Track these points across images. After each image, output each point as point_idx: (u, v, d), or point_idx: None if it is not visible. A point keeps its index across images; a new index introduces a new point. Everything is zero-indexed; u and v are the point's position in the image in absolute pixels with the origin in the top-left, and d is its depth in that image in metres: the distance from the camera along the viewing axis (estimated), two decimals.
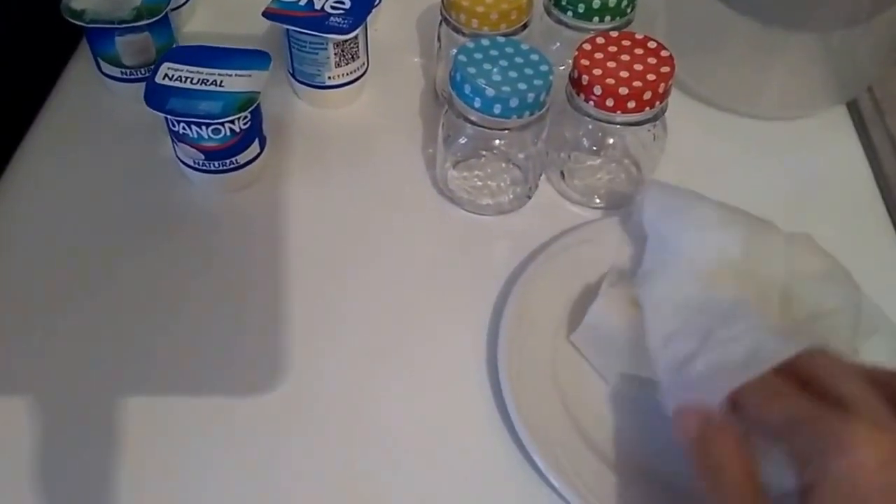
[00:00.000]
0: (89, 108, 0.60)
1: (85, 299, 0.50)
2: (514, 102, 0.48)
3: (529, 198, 0.55)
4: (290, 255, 0.53)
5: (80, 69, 0.62)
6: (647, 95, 0.49)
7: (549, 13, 0.57)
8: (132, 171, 0.57)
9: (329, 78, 0.59)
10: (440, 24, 0.57)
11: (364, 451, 0.45)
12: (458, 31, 0.55)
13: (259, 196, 0.56)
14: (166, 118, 0.51)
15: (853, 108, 0.63)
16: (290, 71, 0.60)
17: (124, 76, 0.59)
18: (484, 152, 0.55)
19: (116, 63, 0.58)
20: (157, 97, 0.51)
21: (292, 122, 0.61)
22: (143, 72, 0.59)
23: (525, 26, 0.56)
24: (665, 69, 0.49)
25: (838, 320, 0.43)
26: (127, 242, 0.53)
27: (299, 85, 0.60)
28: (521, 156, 0.55)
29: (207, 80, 0.52)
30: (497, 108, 0.48)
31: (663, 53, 0.50)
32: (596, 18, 0.55)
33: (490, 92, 0.48)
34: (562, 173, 0.56)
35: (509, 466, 0.44)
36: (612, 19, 0.55)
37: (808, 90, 0.60)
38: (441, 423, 0.46)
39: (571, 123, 0.54)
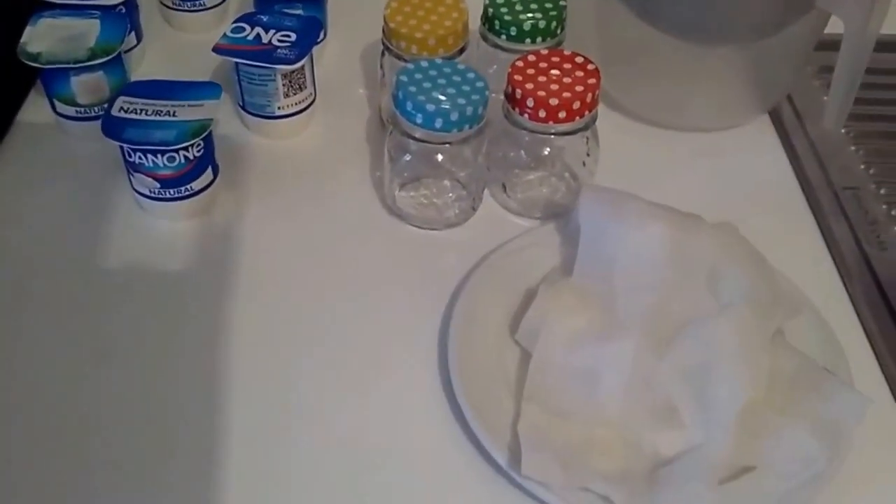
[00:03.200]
0: (44, 148, 0.62)
1: (38, 332, 0.51)
2: (454, 116, 0.51)
3: (475, 210, 0.58)
4: (247, 275, 0.54)
5: (34, 110, 0.64)
6: (577, 105, 0.52)
7: (485, 38, 0.61)
8: (88, 207, 0.58)
9: (279, 108, 0.61)
10: (382, 53, 0.61)
11: (326, 454, 0.46)
12: (399, 57, 0.58)
13: (214, 223, 0.58)
14: (122, 148, 0.53)
15: (775, 118, 0.68)
16: (241, 104, 0.62)
17: (79, 115, 0.61)
18: (428, 172, 0.58)
19: (71, 102, 0.60)
20: (114, 128, 0.53)
21: (244, 154, 0.63)
22: (97, 110, 0.61)
23: (462, 51, 0.59)
24: (592, 81, 0.53)
25: (759, 298, 0.46)
26: (85, 278, 0.54)
27: (250, 117, 0.63)
28: (462, 174, 0.58)
29: (161, 111, 0.54)
30: (438, 123, 0.51)
31: (590, 67, 0.54)
32: (528, 40, 0.58)
33: (431, 107, 0.51)
34: (503, 186, 0.59)
35: (464, 459, 0.46)
36: (544, 40, 0.59)
37: (732, 101, 0.65)
38: (399, 423, 0.48)
39: (510, 142, 0.57)
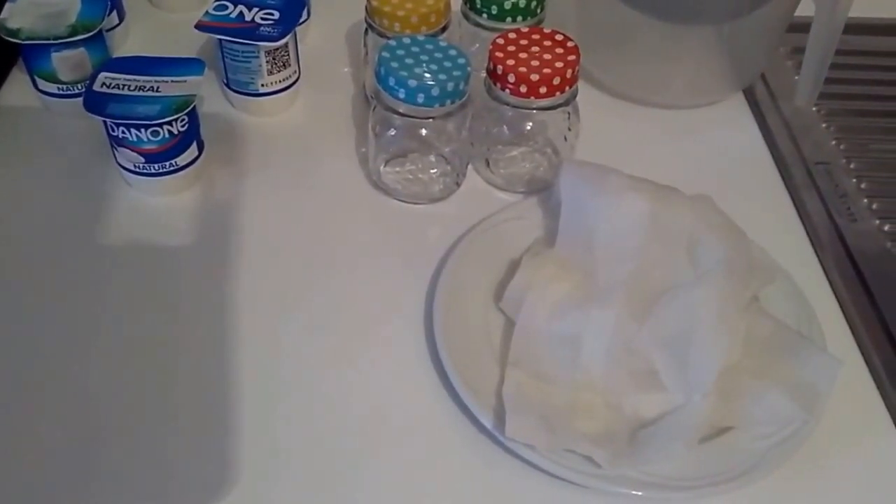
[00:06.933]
0: (28, 126, 0.62)
1: (28, 310, 0.51)
2: (435, 91, 0.52)
3: (459, 185, 0.59)
4: (233, 250, 0.55)
5: (16, 88, 0.64)
6: (557, 81, 0.53)
7: (466, 18, 0.62)
8: (73, 184, 0.58)
9: (262, 86, 0.62)
10: (365, 31, 0.61)
11: (314, 421, 0.47)
12: (382, 35, 0.59)
13: (200, 198, 0.58)
14: (105, 122, 0.53)
15: (750, 96, 0.69)
16: (225, 81, 0.63)
17: (61, 92, 0.61)
18: (412, 148, 0.59)
19: (53, 79, 0.60)
20: (96, 103, 0.53)
21: (229, 132, 0.63)
22: (79, 87, 0.61)
23: (444, 29, 0.60)
24: (571, 57, 0.54)
25: (736, 265, 0.47)
26: (72, 254, 0.54)
27: (234, 94, 0.63)
28: (446, 149, 0.59)
29: (144, 87, 0.54)
30: (420, 98, 0.52)
31: (569, 44, 0.55)
32: (509, 19, 0.59)
33: (413, 83, 0.52)
34: (487, 162, 0.60)
35: (451, 423, 0.47)
36: (524, 19, 0.60)
37: (708, 80, 0.66)
38: (387, 389, 0.49)
39: (493, 117, 0.58)
